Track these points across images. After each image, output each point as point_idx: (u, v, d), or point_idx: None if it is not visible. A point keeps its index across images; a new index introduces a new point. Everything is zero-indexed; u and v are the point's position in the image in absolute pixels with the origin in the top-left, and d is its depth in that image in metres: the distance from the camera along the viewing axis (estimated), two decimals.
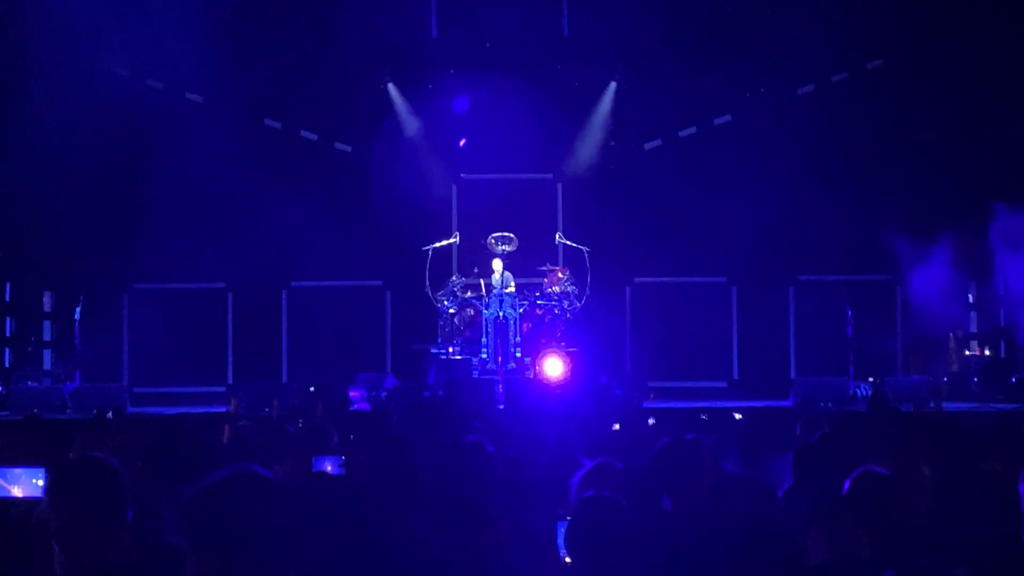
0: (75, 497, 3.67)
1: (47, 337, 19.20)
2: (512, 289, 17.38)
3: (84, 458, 3.94)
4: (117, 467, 3.76)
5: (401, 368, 18.46)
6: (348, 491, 5.33)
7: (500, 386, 15.71)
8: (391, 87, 19.39)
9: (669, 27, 18.02)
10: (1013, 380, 16.97)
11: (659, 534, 4.72)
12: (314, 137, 19.41)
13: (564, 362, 16.29)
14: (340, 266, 19.08)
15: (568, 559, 4.35)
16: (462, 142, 19.50)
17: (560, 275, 17.59)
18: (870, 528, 4.34)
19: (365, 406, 15.39)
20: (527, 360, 16.92)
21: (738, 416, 13.30)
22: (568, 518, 4.62)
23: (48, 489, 3.80)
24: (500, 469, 5.25)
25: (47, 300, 19.31)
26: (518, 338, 17.20)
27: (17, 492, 5.00)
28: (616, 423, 9.88)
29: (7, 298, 18.81)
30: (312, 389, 15.62)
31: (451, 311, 17.43)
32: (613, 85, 19.46)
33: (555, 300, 17.38)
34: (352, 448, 7.00)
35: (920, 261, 17.19)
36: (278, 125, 19.30)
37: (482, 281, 17.56)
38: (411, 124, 19.48)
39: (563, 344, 17.02)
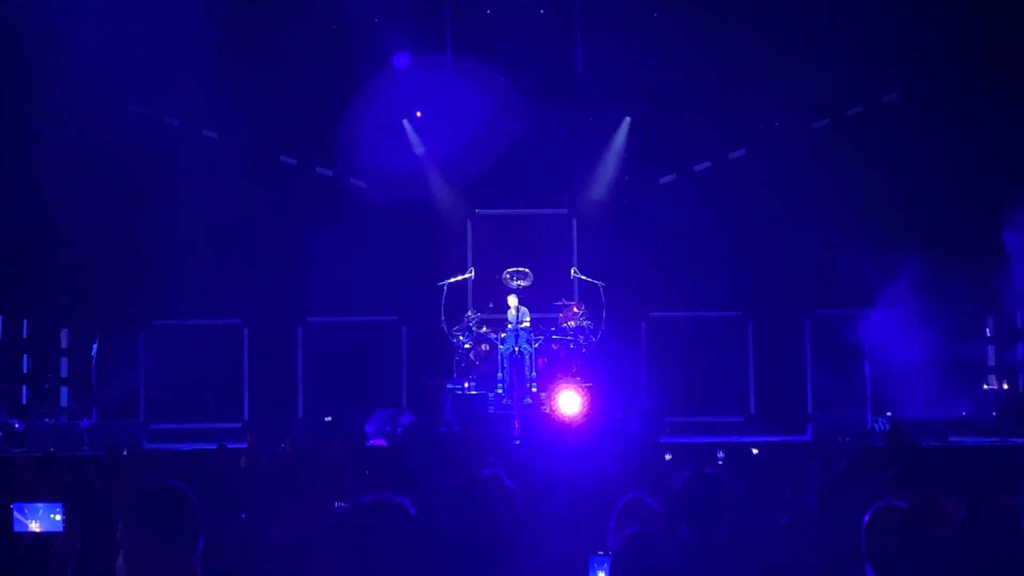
0: (150, 523, 3.74)
1: (64, 374, 19.25)
2: (528, 324, 17.38)
3: (162, 485, 4.00)
4: (192, 496, 3.83)
5: (417, 403, 18.44)
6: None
7: (516, 421, 15.69)
8: (406, 123, 19.47)
9: (683, 62, 18.05)
10: None
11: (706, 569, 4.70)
12: (329, 173, 19.50)
13: (580, 397, 16.26)
14: (356, 302, 19.10)
15: None
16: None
17: (575, 310, 17.58)
18: (890, 562, 4.31)
19: (381, 441, 15.36)
20: (543, 395, 16.89)
21: (755, 451, 13.27)
22: (601, 552, 4.62)
23: (124, 514, 3.85)
24: (520, 504, 5.21)
25: (64, 337, 19.36)
26: (534, 373, 17.18)
27: (35, 527, 5.03)
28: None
29: (24, 335, 18.88)
30: (328, 419, 15.61)
31: (466, 346, 17.42)
32: (627, 120, 19.51)
33: (571, 335, 17.37)
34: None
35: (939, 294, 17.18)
36: (293, 161, 19.41)
37: (499, 316, 17.58)
38: (426, 159, 19.55)
39: (579, 379, 16.99)
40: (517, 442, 14.55)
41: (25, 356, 18.94)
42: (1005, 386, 18.54)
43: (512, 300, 17.56)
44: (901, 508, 4.82)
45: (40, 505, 5.05)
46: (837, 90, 18.48)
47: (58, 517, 4.96)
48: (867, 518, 4.58)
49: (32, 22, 16.31)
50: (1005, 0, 17.11)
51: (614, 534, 5.21)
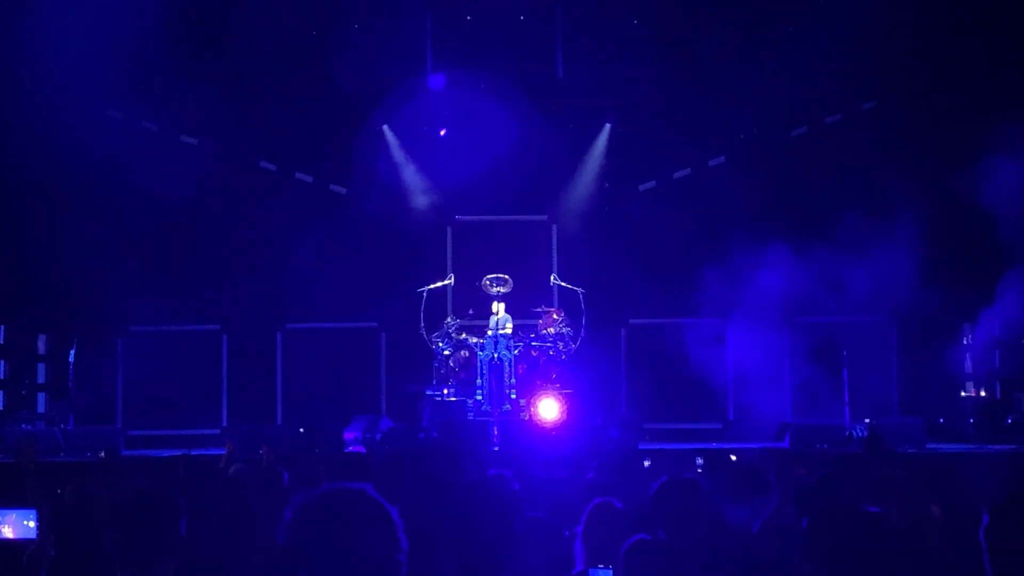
0: (132, 521, 3.78)
1: (41, 380, 19.13)
2: (509, 330, 17.37)
3: (143, 488, 4.04)
4: (179, 501, 3.88)
5: (396, 410, 18.42)
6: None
7: (495, 428, 15.67)
8: (386, 129, 19.45)
9: (663, 70, 18.08)
10: (1009, 421, 16.93)
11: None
12: (309, 179, 19.46)
13: (559, 404, 16.25)
14: (335, 308, 19.06)
15: None
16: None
17: (555, 316, 17.58)
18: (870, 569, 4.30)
19: (360, 448, 15.33)
20: (522, 402, 16.87)
21: (733, 458, 13.30)
22: (601, 566, 4.61)
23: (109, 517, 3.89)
24: (526, 510, 5.14)
25: (41, 343, 19.26)
26: (513, 380, 17.16)
27: (8, 533, 4.98)
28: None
29: (1, 340, 18.75)
30: (301, 431, 15.58)
31: (446, 353, 17.40)
32: (607, 127, 19.54)
33: (550, 342, 17.36)
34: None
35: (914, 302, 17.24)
36: (273, 167, 19.34)
37: (476, 324, 17.56)
38: (406, 165, 19.54)
39: (558, 386, 16.98)
40: (496, 449, 14.56)
41: (2, 361, 18.81)
42: (983, 393, 18.58)
43: (496, 307, 17.56)
44: (876, 513, 4.83)
45: (12, 512, 5.01)
46: (815, 98, 18.53)
47: (31, 524, 4.92)
48: (843, 524, 4.58)
49: (9, 27, 16.25)
50: (982, 9, 17.16)
51: (583, 539, 5.20)
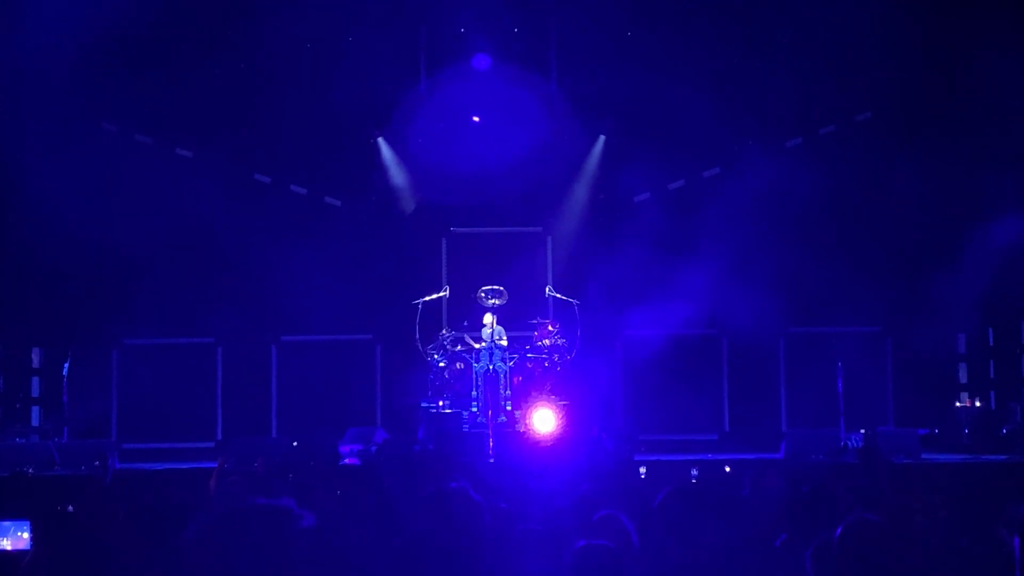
0: (141, 532, 3.83)
1: (35, 393, 19.09)
2: (504, 342, 17.36)
3: (152, 499, 4.10)
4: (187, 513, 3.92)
5: (391, 422, 18.39)
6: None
7: (490, 439, 15.65)
8: (381, 141, 19.45)
9: (657, 81, 18.09)
10: (1004, 431, 16.94)
11: None
12: (304, 191, 19.43)
13: (555, 415, 16.23)
14: (330, 320, 19.03)
15: None
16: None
17: (550, 328, 17.58)
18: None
19: (355, 461, 15.30)
20: (517, 413, 16.86)
21: (727, 469, 13.30)
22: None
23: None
24: (487, 518, 5.16)
25: (35, 356, 19.22)
26: (508, 391, 17.15)
27: (6, 544, 4.98)
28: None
29: None
30: (295, 444, 15.55)
31: (441, 364, 17.39)
32: (602, 138, 19.53)
33: (545, 353, 17.36)
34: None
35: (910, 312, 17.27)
36: (268, 179, 19.32)
37: (471, 336, 17.56)
38: (400, 177, 19.53)
39: (553, 397, 16.97)
40: (491, 460, 14.54)
41: None
42: (978, 403, 18.59)
43: (487, 319, 17.54)
44: (874, 521, 4.82)
45: (9, 523, 5.01)
46: (810, 109, 18.56)
47: (25, 535, 4.92)
48: (839, 530, 4.57)
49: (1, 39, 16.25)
50: (978, 20, 17.19)
51: None
